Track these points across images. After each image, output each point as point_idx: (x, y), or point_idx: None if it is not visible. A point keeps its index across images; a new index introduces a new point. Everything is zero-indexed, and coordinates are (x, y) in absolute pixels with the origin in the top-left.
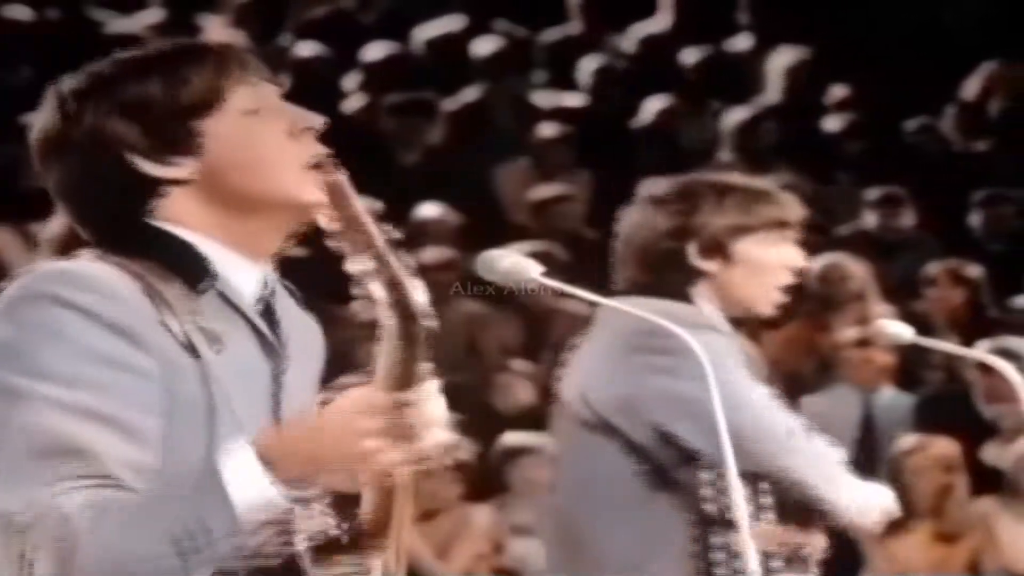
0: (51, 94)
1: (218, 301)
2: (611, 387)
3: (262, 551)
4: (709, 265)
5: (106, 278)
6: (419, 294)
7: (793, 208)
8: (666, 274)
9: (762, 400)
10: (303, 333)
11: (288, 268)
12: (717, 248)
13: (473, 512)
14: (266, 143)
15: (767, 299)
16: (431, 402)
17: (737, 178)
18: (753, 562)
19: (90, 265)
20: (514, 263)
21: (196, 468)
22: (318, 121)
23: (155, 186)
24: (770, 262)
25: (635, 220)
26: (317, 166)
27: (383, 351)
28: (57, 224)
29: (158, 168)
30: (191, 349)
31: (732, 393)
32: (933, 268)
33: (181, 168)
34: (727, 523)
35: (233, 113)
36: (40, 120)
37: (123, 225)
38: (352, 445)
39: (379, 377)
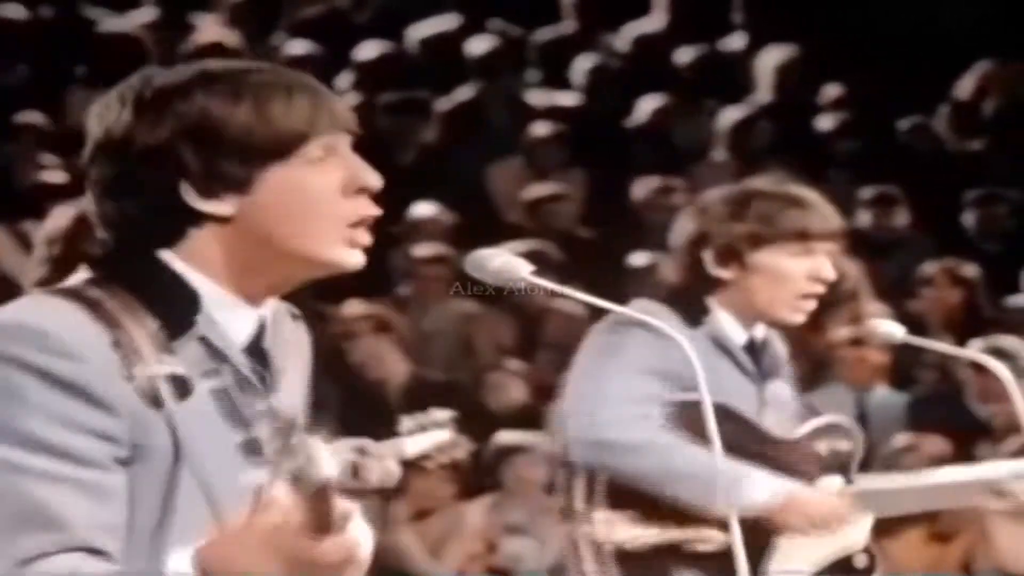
0: (135, 86)
1: (198, 346)
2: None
3: None
4: (724, 273)
5: (67, 335)
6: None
7: (822, 219)
8: (688, 281)
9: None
10: (296, 357)
11: None
12: (733, 256)
13: (466, 511)
14: (317, 197)
15: (789, 308)
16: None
17: (774, 186)
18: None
19: (49, 317)
20: (504, 262)
21: (145, 569)
22: (376, 182)
23: (190, 217)
24: (790, 272)
25: (675, 226)
26: (359, 225)
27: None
28: (56, 223)
29: (202, 203)
30: (155, 400)
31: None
32: (930, 267)
33: (225, 205)
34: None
35: (300, 161)
36: (111, 107)
37: (135, 249)
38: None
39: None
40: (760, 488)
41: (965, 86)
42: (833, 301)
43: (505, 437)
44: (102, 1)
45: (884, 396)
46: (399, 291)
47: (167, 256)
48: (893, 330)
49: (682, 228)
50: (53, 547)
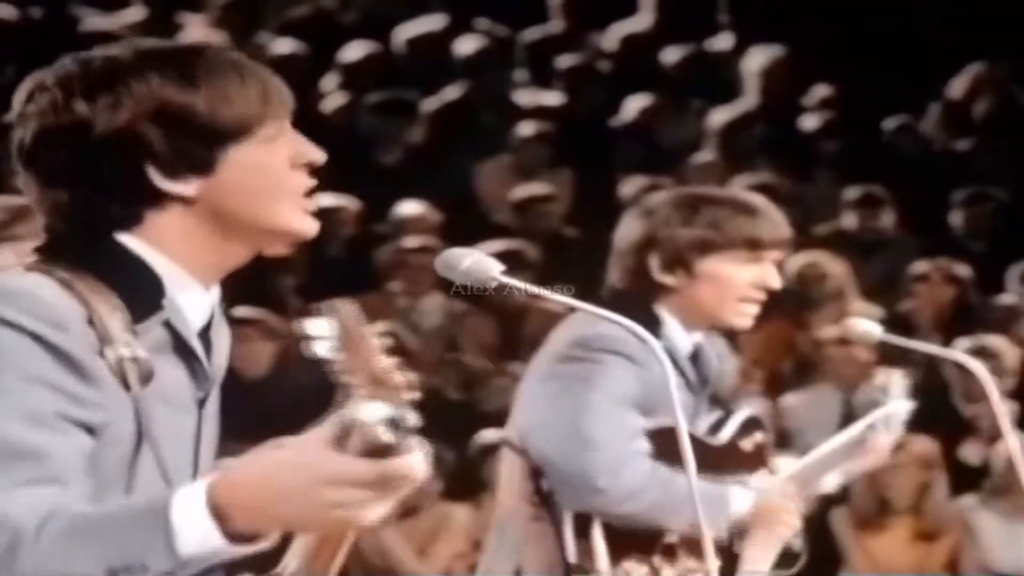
0: (72, 70)
1: (160, 329)
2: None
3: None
4: (669, 279)
5: (54, 302)
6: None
7: (772, 227)
8: (632, 286)
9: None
10: (223, 344)
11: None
12: (680, 262)
13: (452, 510)
14: (274, 172)
15: (735, 313)
16: (411, 469)
17: (722, 192)
18: None
19: (38, 285)
20: (475, 262)
21: (146, 500)
22: (320, 156)
23: (155, 199)
24: (736, 279)
25: (621, 227)
26: (309, 196)
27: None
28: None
29: (169, 183)
30: (124, 382)
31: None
32: (922, 266)
33: (189, 186)
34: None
35: (257, 141)
36: (50, 91)
37: (93, 235)
38: (318, 514)
39: (350, 443)
40: (739, 500)
41: (958, 86)
42: (819, 300)
43: (491, 436)
44: (91, 1)
45: (870, 395)
46: (388, 287)
47: (126, 239)
48: (871, 329)
49: (628, 231)
50: (36, 477)
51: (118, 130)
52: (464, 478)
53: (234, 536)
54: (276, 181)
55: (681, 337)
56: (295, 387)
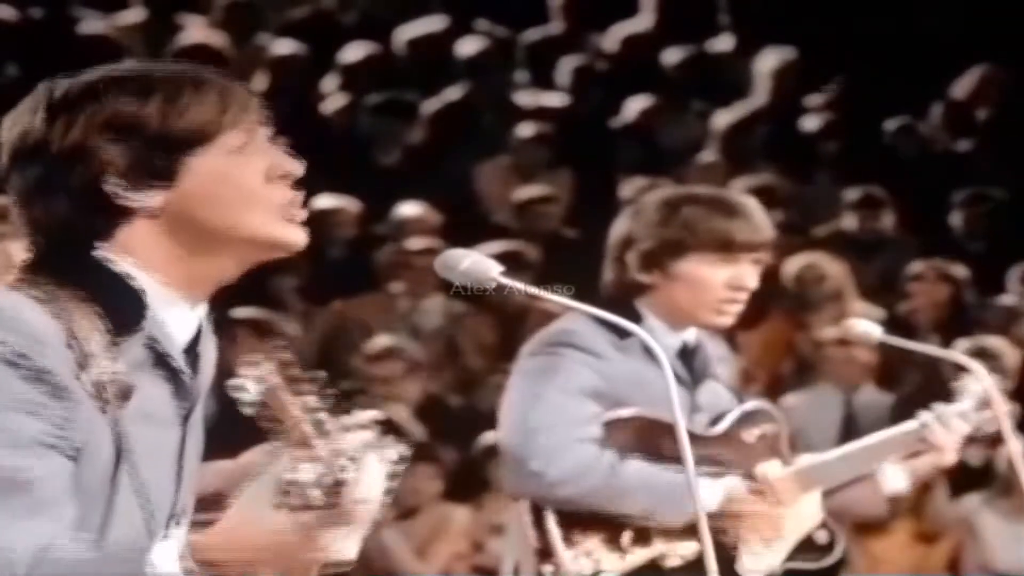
0: (41, 94)
1: (143, 347)
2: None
3: None
4: (646, 278)
5: (33, 321)
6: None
7: (750, 229)
8: (616, 284)
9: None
10: (210, 361)
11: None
12: (655, 262)
13: (452, 511)
14: (242, 183)
15: (713, 312)
16: (366, 481)
17: (707, 192)
18: None
19: (16, 304)
20: (474, 262)
21: (131, 544)
22: (298, 168)
23: (120, 211)
24: (709, 280)
25: (613, 226)
26: (290, 205)
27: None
28: None
29: (131, 195)
30: (102, 401)
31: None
32: (917, 266)
33: (152, 197)
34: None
35: (220, 150)
36: (22, 117)
37: (71, 249)
38: (289, 564)
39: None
40: (709, 493)
41: (962, 87)
42: (818, 301)
43: (492, 437)
44: (91, 2)
45: (871, 396)
46: (389, 288)
47: (107, 254)
48: (870, 330)
49: (615, 230)
50: (29, 508)
51: (73, 146)
52: (464, 479)
53: None
54: (248, 192)
55: (665, 334)
56: None
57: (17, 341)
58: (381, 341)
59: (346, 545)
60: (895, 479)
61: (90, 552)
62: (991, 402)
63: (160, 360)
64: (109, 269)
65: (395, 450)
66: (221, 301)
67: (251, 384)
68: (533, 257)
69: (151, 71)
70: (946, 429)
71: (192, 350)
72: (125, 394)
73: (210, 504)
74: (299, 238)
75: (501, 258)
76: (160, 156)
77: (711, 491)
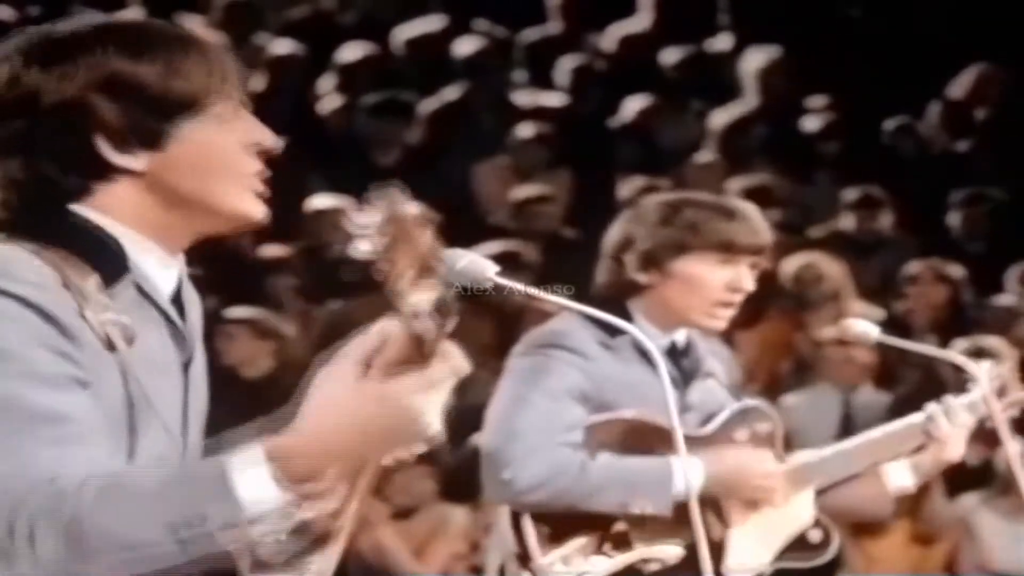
0: (27, 40)
1: (133, 293)
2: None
3: (262, 543)
4: (644, 277)
5: (30, 266)
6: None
7: (749, 232)
8: (610, 285)
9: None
10: (196, 312)
11: None
12: (654, 262)
13: (450, 511)
14: (225, 152)
15: (706, 315)
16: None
17: (706, 197)
18: None
19: (10, 252)
20: (470, 262)
21: (199, 459)
22: (276, 143)
23: (106, 172)
24: (708, 280)
25: (609, 231)
26: (259, 177)
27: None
28: None
29: (118, 156)
30: (108, 343)
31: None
32: (914, 267)
33: (139, 160)
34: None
35: (209, 119)
36: (11, 62)
37: (49, 206)
38: (379, 434)
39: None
40: (692, 471)
41: (960, 86)
42: (816, 302)
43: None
44: (90, 1)
45: (869, 396)
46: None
47: (82, 209)
48: (868, 330)
49: (612, 231)
50: (56, 437)
51: (67, 101)
52: (462, 479)
53: (293, 480)
54: (226, 161)
55: (654, 335)
56: (294, 387)
57: (18, 284)
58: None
59: (433, 414)
60: (901, 477)
61: (166, 476)
62: (1005, 391)
63: (151, 305)
64: (88, 223)
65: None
66: (218, 300)
67: (378, 210)
68: (532, 258)
69: (144, 28)
70: (951, 422)
71: (177, 300)
72: (129, 336)
73: None
74: (260, 212)
75: (500, 259)
76: (155, 120)
77: (692, 470)
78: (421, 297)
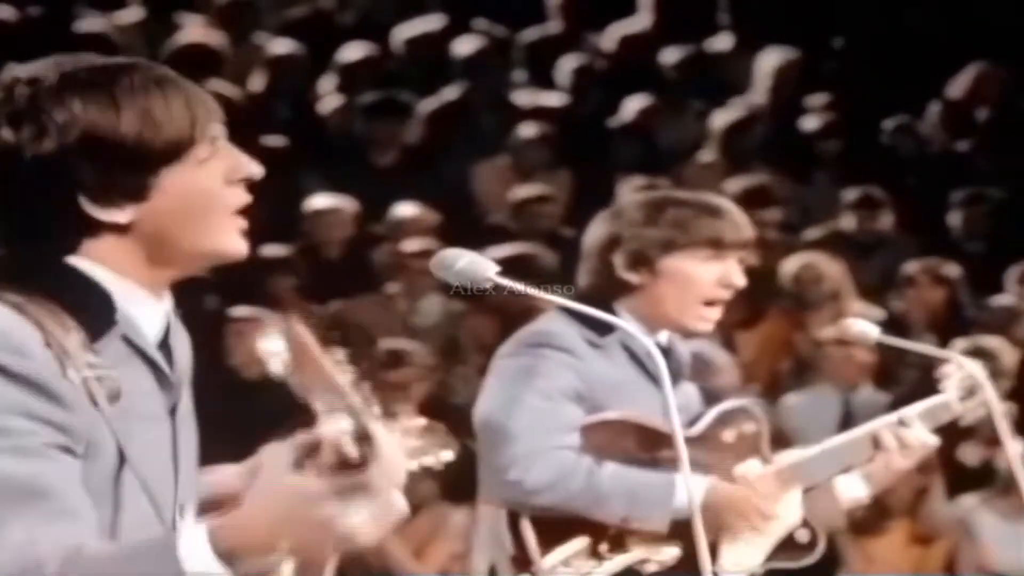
0: (3, 96)
1: (120, 345)
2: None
3: None
4: (634, 277)
5: (9, 328)
6: (386, 443)
7: (735, 227)
8: (596, 285)
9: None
10: (186, 353)
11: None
12: (643, 261)
13: (450, 511)
14: (208, 193)
15: (695, 316)
16: (388, 465)
17: (686, 194)
18: None
19: None
20: (469, 262)
21: (159, 537)
22: (256, 171)
23: (91, 227)
24: (699, 277)
25: (589, 230)
26: (242, 213)
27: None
28: None
29: (103, 212)
30: (92, 400)
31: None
32: (911, 267)
33: (123, 214)
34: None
35: (190, 164)
36: None
37: (38, 258)
38: (314, 535)
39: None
40: (694, 489)
41: (959, 86)
42: (815, 302)
43: None
44: (90, 1)
45: (869, 396)
46: (386, 288)
47: (73, 260)
48: (867, 329)
49: (594, 232)
50: (50, 513)
51: (45, 159)
52: (462, 479)
53: (236, 556)
54: (209, 201)
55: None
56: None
57: (5, 355)
58: (391, 344)
59: (368, 523)
60: (853, 488)
61: (119, 549)
62: (976, 389)
63: (138, 355)
64: (76, 272)
65: (447, 452)
66: (219, 300)
67: (280, 339)
68: (549, 261)
69: (113, 77)
70: (905, 432)
71: (164, 344)
72: (114, 391)
73: (229, 505)
74: (242, 248)
75: (509, 261)
76: (134, 175)
77: (696, 488)
78: (332, 425)
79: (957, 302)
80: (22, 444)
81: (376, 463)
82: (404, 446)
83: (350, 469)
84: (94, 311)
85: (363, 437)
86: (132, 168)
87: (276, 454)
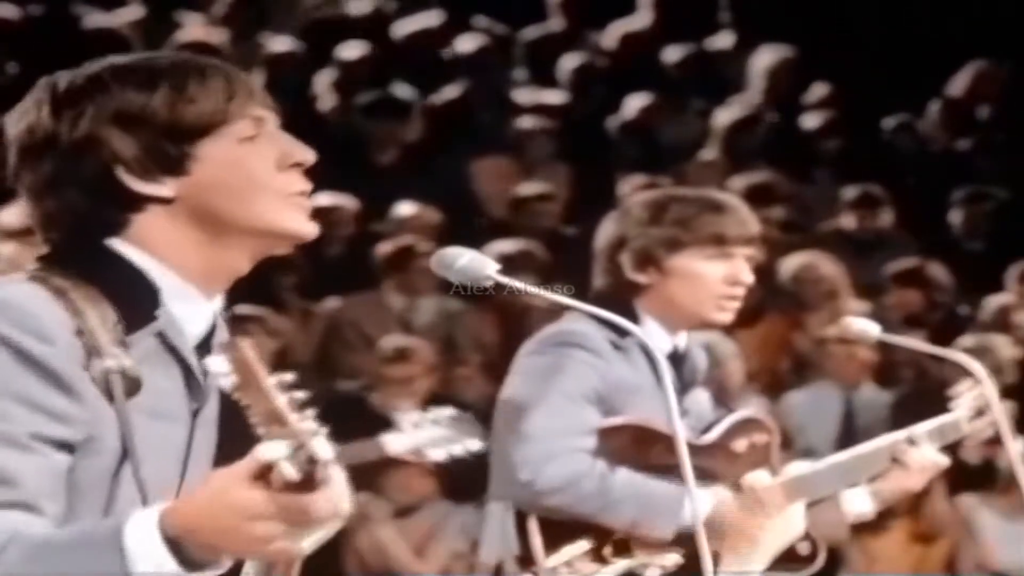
0: (44, 88)
1: (154, 342)
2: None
3: None
4: (642, 277)
5: (41, 313)
6: (325, 452)
7: (739, 224)
8: (610, 286)
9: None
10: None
11: None
12: (650, 260)
13: (451, 510)
14: (254, 170)
15: (714, 307)
16: (329, 487)
17: (692, 192)
18: None
19: (28, 295)
20: (470, 260)
21: (103, 524)
22: (309, 156)
23: (133, 202)
24: (707, 275)
25: (599, 230)
26: (300, 195)
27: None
28: (14, 216)
29: (142, 185)
30: (108, 394)
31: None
32: (895, 266)
33: (165, 187)
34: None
35: (230, 138)
36: (27, 113)
37: (86, 241)
38: (253, 546)
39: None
40: (702, 505)
41: (959, 84)
42: (814, 301)
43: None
44: (91, 0)
45: (871, 394)
46: (386, 287)
47: (121, 246)
48: (868, 328)
49: (603, 233)
50: (5, 501)
51: (82, 139)
52: (463, 478)
53: (188, 563)
54: (259, 180)
55: (661, 338)
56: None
57: (21, 335)
58: (394, 341)
59: (299, 539)
60: (860, 503)
61: (62, 532)
62: (987, 408)
63: (172, 354)
64: (124, 261)
65: (475, 442)
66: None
67: (224, 361)
68: (544, 258)
69: (155, 61)
70: (917, 452)
71: (206, 345)
72: (133, 386)
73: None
74: (309, 229)
75: (510, 258)
76: (170, 146)
77: (703, 501)
78: (273, 447)
79: (937, 303)
80: (9, 431)
81: (324, 487)
82: (344, 478)
83: (297, 491)
84: (136, 303)
85: (309, 460)
86: (167, 139)
87: (239, 464)
